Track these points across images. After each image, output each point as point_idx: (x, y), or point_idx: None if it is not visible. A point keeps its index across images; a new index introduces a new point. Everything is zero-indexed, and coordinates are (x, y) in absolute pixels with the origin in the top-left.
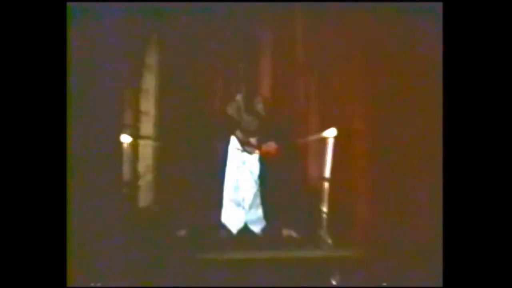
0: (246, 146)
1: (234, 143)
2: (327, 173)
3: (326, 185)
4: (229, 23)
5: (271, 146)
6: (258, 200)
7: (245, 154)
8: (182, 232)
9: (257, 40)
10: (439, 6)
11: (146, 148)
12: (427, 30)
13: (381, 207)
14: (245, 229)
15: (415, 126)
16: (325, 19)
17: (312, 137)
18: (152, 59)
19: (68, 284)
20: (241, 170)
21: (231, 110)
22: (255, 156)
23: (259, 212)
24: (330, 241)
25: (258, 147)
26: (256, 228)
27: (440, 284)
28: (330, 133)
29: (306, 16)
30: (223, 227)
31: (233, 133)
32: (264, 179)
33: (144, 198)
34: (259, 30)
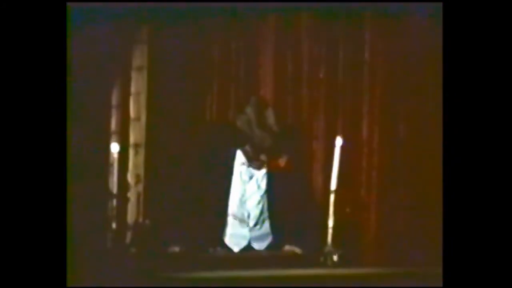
0: (255, 161)
1: (241, 157)
2: (335, 186)
3: (336, 199)
4: (233, 28)
5: (282, 162)
6: (265, 215)
7: (252, 168)
8: (177, 249)
9: (262, 48)
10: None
11: (141, 157)
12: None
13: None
14: (248, 247)
15: (418, 128)
16: (328, 23)
17: (322, 147)
18: (150, 64)
19: (68, 284)
20: (248, 185)
21: (240, 123)
22: (263, 170)
23: (264, 228)
24: (337, 258)
25: (268, 162)
26: (260, 246)
27: (440, 284)
28: (337, 143)
29: (312, 20)
30: (224, 244)
31: (242, 147)
32: (271, 194)
33: (137, 211)
34: (264, 35)
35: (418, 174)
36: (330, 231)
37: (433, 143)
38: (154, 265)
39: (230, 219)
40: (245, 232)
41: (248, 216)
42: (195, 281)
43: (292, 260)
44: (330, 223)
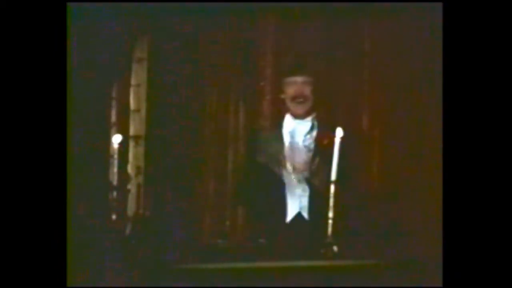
0: None
1: None
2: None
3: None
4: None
5: None
6: None
7: None
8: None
9: (262, 39)
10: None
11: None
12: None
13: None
14: None
15: (419, 126)
16: (325, 19)
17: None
18: (150, 56)
19: (68, 284)
20: None
21: None
22: None
23: None
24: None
25: None
26: None
27: (440, 284)
28: (337, 133)
29: (307, 15)
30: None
31: None
32: None
33: (138, 203)
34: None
35: (420, 165)
36: (330, 222)
37: (435, 135)
38: (155, 256)
39: None
40: None
41: None
42: (195, 273)
43: (293, 252)
44: (331, 214)
